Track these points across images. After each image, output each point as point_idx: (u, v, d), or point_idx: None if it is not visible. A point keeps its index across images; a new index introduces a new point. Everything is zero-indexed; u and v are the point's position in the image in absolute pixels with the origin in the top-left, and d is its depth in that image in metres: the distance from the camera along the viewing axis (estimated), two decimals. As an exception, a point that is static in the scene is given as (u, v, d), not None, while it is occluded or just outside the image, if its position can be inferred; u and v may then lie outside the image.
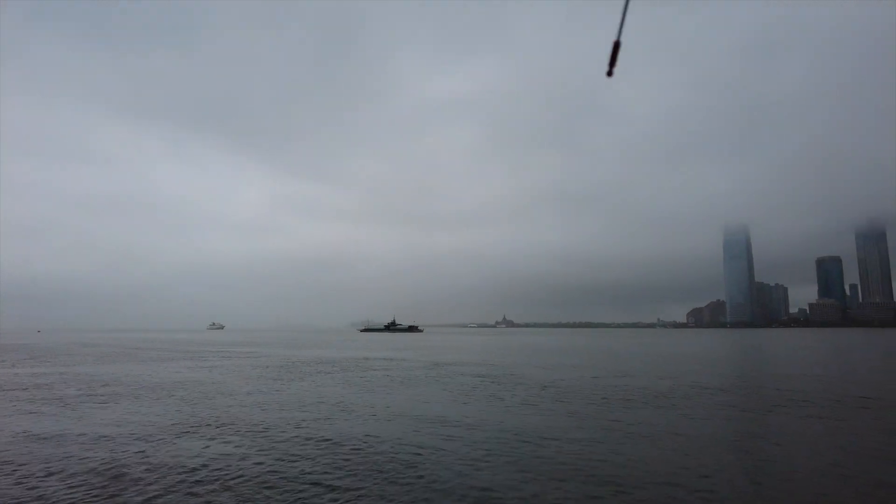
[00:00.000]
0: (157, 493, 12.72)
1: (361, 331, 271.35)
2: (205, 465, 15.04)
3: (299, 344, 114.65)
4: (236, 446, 17.38)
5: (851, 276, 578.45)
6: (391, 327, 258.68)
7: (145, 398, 28.91)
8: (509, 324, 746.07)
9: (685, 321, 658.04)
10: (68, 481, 13.60)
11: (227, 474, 14.20)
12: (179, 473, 14.29)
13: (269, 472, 14.45)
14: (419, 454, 16.30)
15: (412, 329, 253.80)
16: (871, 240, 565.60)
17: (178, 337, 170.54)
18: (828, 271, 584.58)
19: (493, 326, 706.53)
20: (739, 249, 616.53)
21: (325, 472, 14.36)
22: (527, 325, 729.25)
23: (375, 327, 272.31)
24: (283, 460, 15.62)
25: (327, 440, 18.24)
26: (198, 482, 13.53)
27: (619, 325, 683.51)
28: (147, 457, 16.00)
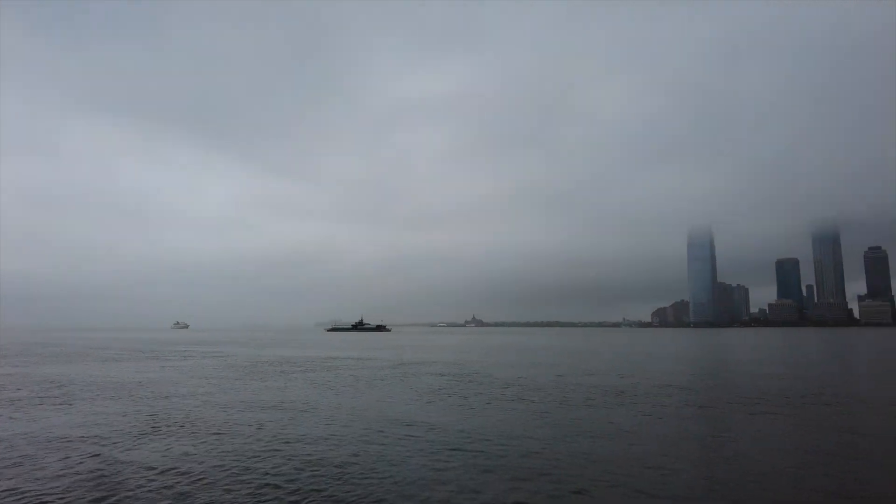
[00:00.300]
0: (112, 495, 12.54)
1: (328, 330, 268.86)
2: (163, 467, 14.86)
3: (264, 343, 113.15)
4: (195, 447, 17.19)
5: (808, 277, 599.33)
6: (358, 327, 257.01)
7: (103, 399, 28.25)
8: (479, 323, 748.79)
9: (650, 320, 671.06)
10: (20, 487, 13.29)
11: (185, 476, 14.07)
12: (136, 476, 14.09)
13: (228, 474, 14.36)
14: (381, 456, 16.38)
15: (380, 329, 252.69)
16: (826, 243, 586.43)
17: (140, 336, 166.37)
18: (786, 273, 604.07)
19: (463, 326, 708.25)
20: (703, 251, 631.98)
21: (286, 474, 14.34)
22: (496, 325, 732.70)
23: (342, 327, 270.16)
24: (243, 462, 15.53)
25: (289, 442, 18.18)
26: (156, 484, 13.37)
27: (585, 325, 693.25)
28: (103, 460, 15.73)
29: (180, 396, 29.51)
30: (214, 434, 19.33)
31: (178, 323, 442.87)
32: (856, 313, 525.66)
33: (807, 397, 29.06)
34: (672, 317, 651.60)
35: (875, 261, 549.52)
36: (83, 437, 18.88)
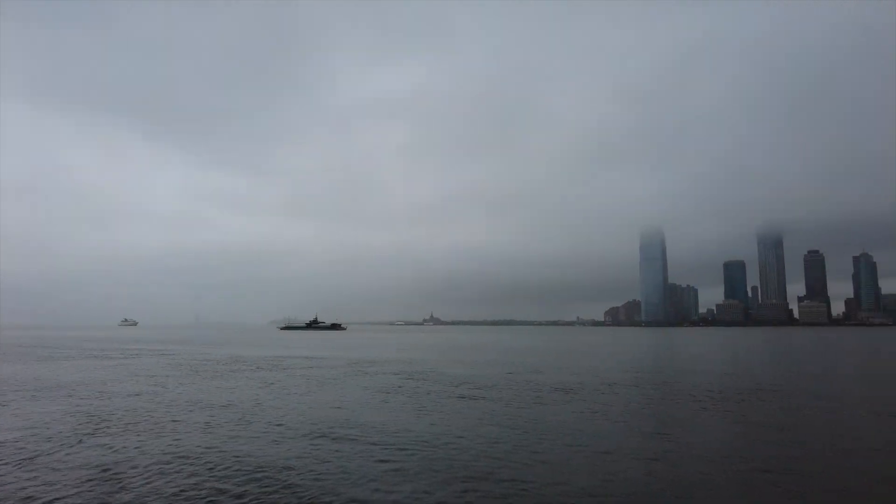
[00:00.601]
0: (45, 497, 12.24)
1: (282, 329, 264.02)
2: (103, 468, 14.55)
3: (215, 342, 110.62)
4: (136, 449, 16.85)
5: (753, 278, 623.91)
6: (313, 325, 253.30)
7: (40, 400, 27.24)
8: (436, 322, 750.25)
9: (603, 319, 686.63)
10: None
11: (124, 477, 13.83)
12: (73, 477, 13.78)
13: (171, 476, 14.18)
14: (328, 458, 16.42)
15: (335, 327, 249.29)
16: (770, 246, 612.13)
17: (86, 334, 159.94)
18: (733, 274, 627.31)
19: (421, 324, 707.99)
20: (655, 252, 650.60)
21: (231, 477, 14.25)
22: (454, 323, 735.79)
23: (296, 325, 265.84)
24: (187, 464, 15.35)
25: (236, 443, 18.02)
26: (93, 486, 13.11)
27: (541, 323, 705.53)
28: (38, 463, 15.28)
29: (124, 396, 28.74)
30: (158, 435, 18.96)
31: (125, 320, 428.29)
32: (795, 313, 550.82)
33: (743, 393, 30.44)
34: (624, 316, 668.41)
35: (813, 264, 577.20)
36: (17, 439, 18.25)
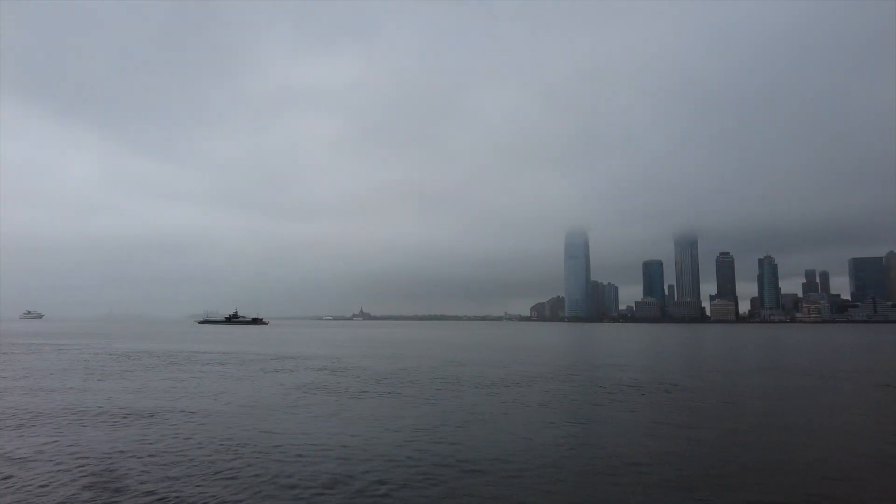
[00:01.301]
0: None
1: (200, 322, 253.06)
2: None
3: (126, 336, 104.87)
4: (26, 451, 15.64)
5: (670, 277, 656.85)
6: (233, 320, 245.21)
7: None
8: (366, 316, 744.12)
9: (529, 315, 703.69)
10: None
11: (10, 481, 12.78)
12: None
13: (65, 481, 13.25)
14: (236, 457, 15.91)
15: (256, 322, 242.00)
16: (686, 247, 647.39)
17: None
18: (651, 273, 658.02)
19: (350, 319, 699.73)
20: (578, 251, 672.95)
21: (143, 476, 13.50)
22: (384, 318, 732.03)
23: (215, 319, 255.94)
24: (84, 469, 14.40)
25: (143, 437, 17.09)
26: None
27: (470, 318, 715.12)
28: None
29: (18, 393, 26.65)
30: (51, 440, 17.66)
31: (28, 312, 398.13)
32: (708, 311, 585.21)
33: (664, 385, 31.94)
34: (549, 311, 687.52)
35: (724, 265, 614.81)
36: None
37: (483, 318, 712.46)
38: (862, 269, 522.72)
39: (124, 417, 21.12)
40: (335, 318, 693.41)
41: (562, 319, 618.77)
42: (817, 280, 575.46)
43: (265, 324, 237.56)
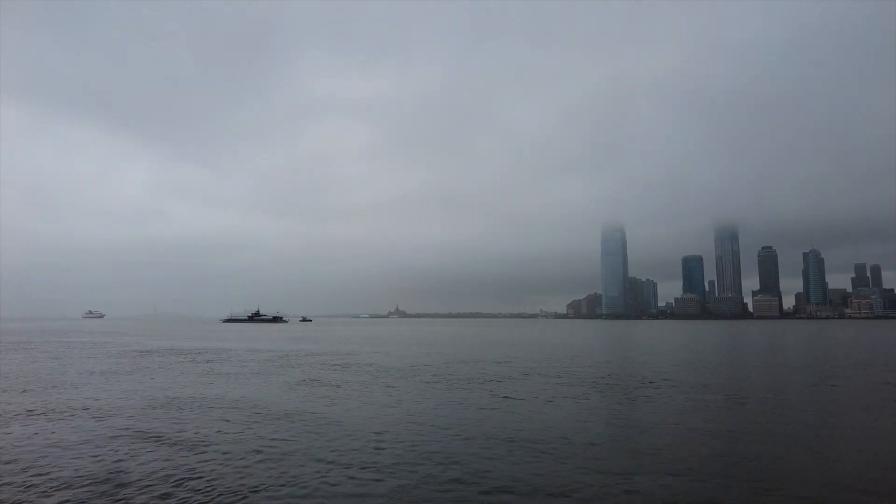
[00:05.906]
0: None
1: (224, 321, 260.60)
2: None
3: (155, 334, 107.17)
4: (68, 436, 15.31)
5: (711, 273, 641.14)
6: (255, 318, 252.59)
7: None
8: (402, 314, 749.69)
9: (565, 312, 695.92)
10: None
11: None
12: None
13: (97, 469, 12.76)
14: (226, 451, 15.27)
15: (276, 320, 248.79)
16: (726, 242, 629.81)
17: (49, 326, 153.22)
18: (691, 269, 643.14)
19: (386, 317, 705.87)
20: (615, 248, 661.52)
21: (160, 471, 12.94)
22: (418, 316, 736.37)
23: (238, 318, 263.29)
24: (109, 455, 13.93)
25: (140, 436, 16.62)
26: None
27: (505, 316, 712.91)
28: None
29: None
30: (88, 430, 17.41)
31: (90, 312, 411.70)
32: (750, 307, 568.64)
33: (697, 386, 30.29)
34: (585, 308, 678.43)
35: (767, 259, 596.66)
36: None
37: (518, 316, 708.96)
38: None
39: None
40: (371, 317, 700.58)
41: (599, 316, 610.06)
42: (868, 274, 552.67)
43: (285, 322, 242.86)
